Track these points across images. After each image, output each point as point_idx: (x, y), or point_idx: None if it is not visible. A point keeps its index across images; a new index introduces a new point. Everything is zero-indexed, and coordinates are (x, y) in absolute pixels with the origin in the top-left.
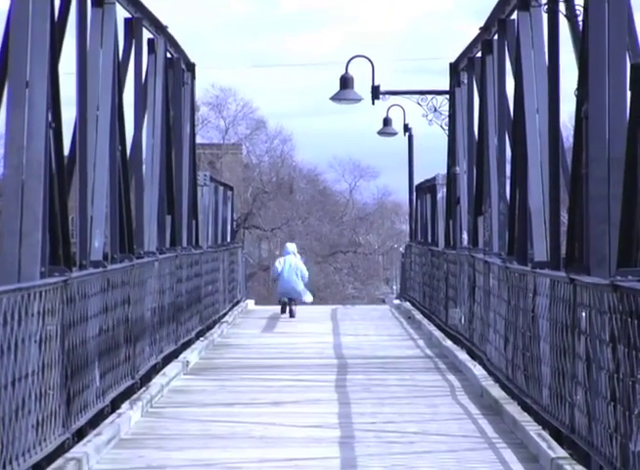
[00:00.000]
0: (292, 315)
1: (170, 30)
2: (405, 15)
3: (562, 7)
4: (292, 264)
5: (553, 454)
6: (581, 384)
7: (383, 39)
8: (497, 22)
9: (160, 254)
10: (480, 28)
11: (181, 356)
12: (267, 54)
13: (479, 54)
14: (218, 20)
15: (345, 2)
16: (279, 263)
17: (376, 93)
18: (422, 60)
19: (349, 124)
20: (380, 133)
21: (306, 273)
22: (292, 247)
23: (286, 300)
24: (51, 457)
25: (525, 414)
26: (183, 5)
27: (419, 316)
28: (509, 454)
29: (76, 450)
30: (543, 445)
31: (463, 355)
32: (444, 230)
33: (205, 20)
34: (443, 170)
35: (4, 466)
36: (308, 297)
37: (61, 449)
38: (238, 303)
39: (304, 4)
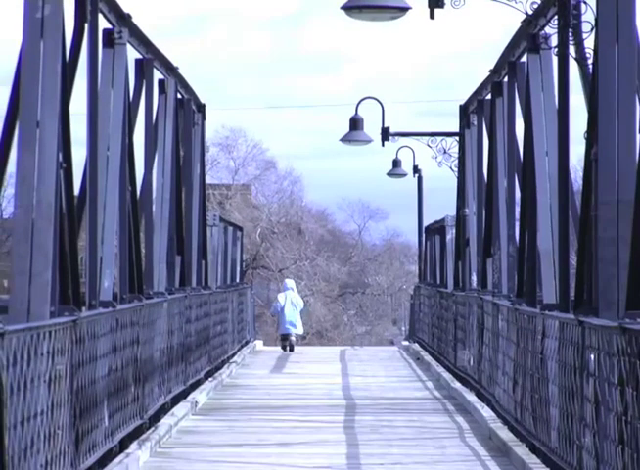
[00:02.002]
0: (291, 349)
1: (182, 71)
2: (422, 56)
3: (572, 50)
4: (292, 301)
5: None
6: (590, 426)
7: (399, 81)
8: (507, 64)
9: (170, 294)
10: (490, 71)
11: (190, 397)
12: (281, 95)
13: (488, 96)
14: (234, 60)
15: (365, 43)
16: (282, 298)
17: (385, 135)
18: (437, 102)
19: (360, 166)
20: (389, 175)
21: (302, 304)
22: (290, 283)
23: (286, 335)
24: None
25: (534, 456)
26: (200, 45)
27: (427, 358)
28: None
29: None
30: None
31: (472, 397)
32: (453, 272)
33: (221, 60)
34: (453, 212)
35: None
36: (300, 329)
37: None
38: (247, 343)
39: (322, 45)
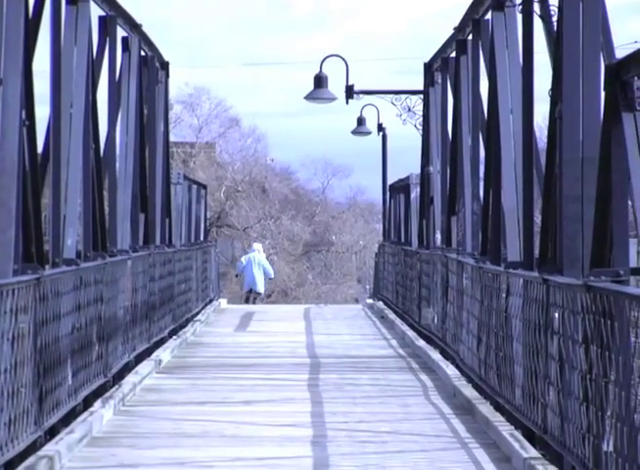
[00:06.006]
0: (254, 301)
1: (145, 29)
2: (405, 15)
3: (536, 7)
4: (256, 260)
5: (525, 455)
6: (554, 384)
7: (380, 39)
8: (471, 22)
9: (134, 252)
10: (455, 28)
11: (154, 355)
12: (256, 54)
13: (453, 54)
14: (214, 19)
15: (348, 2)
16: (244, 259)
17: (350, 93)
18: (413, 59)
19: (325, 124)
20: (354, 133)
21: (271, 270)
22: (257, 246)
23: (249, 292)
24: (23, 455)
25: (498, 414)
26: (179, 6)
27: (392, 316)
28: (481, 454)
29: (48, 448)
30: (516, 445)
31: (436, 355)
32: (418, 230)
33: (200, 18)
34: (417, 170)
35: None
36: (261, 287)
37: (33, 447)
38: (211, 301)
39: (305, 5)
